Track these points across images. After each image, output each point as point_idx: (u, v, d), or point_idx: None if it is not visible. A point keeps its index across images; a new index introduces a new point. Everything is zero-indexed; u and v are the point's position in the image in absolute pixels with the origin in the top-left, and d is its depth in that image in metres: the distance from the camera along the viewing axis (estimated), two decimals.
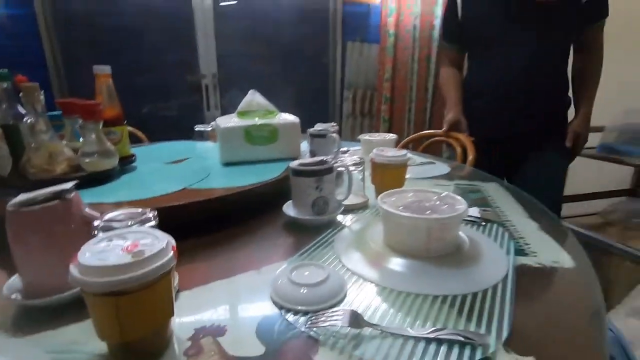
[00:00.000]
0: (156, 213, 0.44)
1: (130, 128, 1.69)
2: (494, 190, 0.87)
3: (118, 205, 0.61)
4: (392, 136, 1.19)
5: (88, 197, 0.63)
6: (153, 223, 0.42)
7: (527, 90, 1.25)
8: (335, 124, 1.37)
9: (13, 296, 0.44)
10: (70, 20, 2.14)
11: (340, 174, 0.72)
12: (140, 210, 0.44)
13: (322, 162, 0.65)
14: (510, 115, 1.31)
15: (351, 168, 0.71)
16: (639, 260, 1.37)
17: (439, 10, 2.53)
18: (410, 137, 1.73)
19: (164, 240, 0.35)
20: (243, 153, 0.88)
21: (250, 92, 0.95)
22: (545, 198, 0.81)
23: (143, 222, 0.42)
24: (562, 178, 1.29)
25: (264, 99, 0.94)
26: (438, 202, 0.54)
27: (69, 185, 0.46)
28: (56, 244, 0.44)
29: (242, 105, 0.92)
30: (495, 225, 0.65)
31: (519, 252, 0.56)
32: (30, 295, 0.44)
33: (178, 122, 2.46)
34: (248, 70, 2.56)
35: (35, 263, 0.44)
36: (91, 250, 0.34)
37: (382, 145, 1.16)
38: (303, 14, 2.58)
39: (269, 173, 0.79)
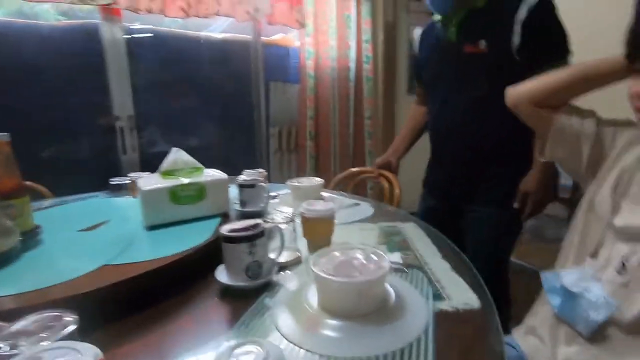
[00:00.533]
0: (77, 317, 0.40)
1: (29, 183, 1.51)
2: (412, 230, 0.96)
3: (21, 298, 0.54)
4: (319, 181, 1.25)
5: None
6: (72, 329, 0.39)
7: (466, 137, 1.19)
8: (263, 170, 1.40)
9: None
10: None
11: (271, 230, 0.73)
12: (55, 314, 0.40)
13: (254, 227, 0.66)
14: (448, 161, 1.29)
15: (282, 226, 0.74)
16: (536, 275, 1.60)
17: (352, 54, 2.77)
18: (342, 175, 1.83)
19: (89, 357, 0.33)
20: (169, 215, 0.85)
21: (174, 150, 0.93)
22: (481, 259, 0.87)
23: (62, 329, 0.38)
24: (504, 241, 1.23)
25: (188, 156, 0.93)
26: (365, 261, 0.59)
27: None
28: None
29: (165, 165, 0.90)
30: (415, 270, 0.72)
31: (437, 296, 0.62)
32: None
33: (90, 169, 2.24)
34: (168, 110, 2.47)
35: None
36: None
37: (310, 191, 1.21)
38: (225, 53, 2.61)
39: (197, 235, 0.77)
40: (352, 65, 2.78)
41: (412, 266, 0.74)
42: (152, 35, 2.33)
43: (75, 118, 2.18)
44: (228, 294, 0.65)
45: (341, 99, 2.79)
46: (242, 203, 1.10)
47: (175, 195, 0.85)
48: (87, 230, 0.85)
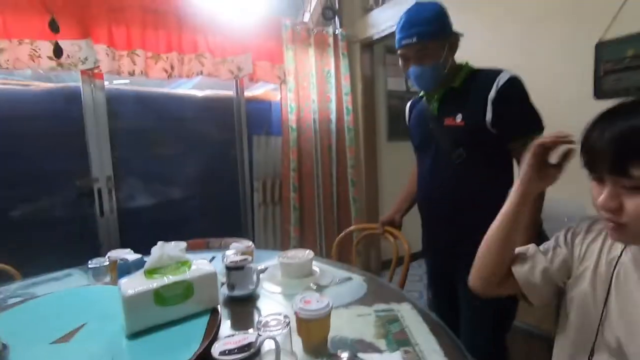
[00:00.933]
0: None
1: None
2: (408, 314, 0.93)
3: None
4: (309, 255, 1.22)
5: None
6: None
7: (446, 201, 1.24)
8: (250, 244, 1.36)
9: None
10: None
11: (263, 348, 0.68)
12: None
13: (247, 346, 0.62)
14: (432, 224, 1.34)
15: (277, 335, 0.70)
16: (531, 335, 1.58)
17: (333, 106, 2.84)
18: (348, 229, 1.81)
19: None
20: (153, 318, 0.79)
21: (159, 244, 0.88)
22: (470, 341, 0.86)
23: None
24: (489, 326, 1.20)
25: (174, 249, 0.89)
26: None
27: None
28: None
29: (150, 263, 0.85)
30: None
31: None
32: None
33: (67, 233, 2.13)
34: (151, 167, 2.42)
35: None
36: None
37: (300, 268, 1.18)
38: (207, 109, 2.62)
39: (185, 345, 0.72)
40: (333, 117, 2.85)
41: None
42: (133, 94, 2.33)
43: (53, 182, 2.10)
44: None
45: (323, 149, 2.83)
46: (231, 287, 1.06)
47: (161, 296, 0.80)
48: (61, 342, 0.77)
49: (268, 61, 2.47)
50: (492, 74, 1.12)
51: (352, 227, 1.88)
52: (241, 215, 2.73)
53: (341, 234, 1.80)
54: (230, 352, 0.61)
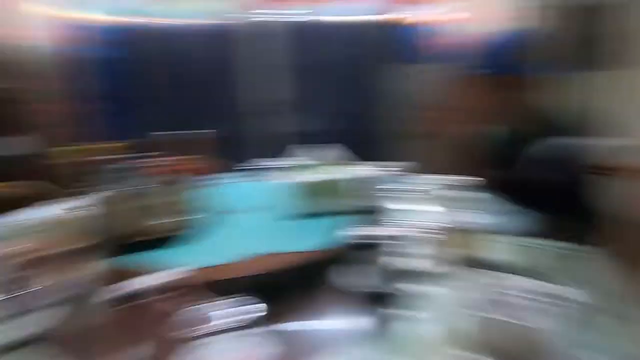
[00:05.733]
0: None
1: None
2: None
3: (201, 272, 0.67)
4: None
5: (165, 258, 0.72)
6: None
7: None
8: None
9: None
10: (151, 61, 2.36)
11: None
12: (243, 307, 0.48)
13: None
14: None
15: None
16: None
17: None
18: None
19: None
20: (312, 206, 0.92)
21: (320, 146, 0.99)
22: None
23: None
24: None
25: (339, 151, 0.98)
26: None
27: (157, 284, 0.52)
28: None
29: (311, 159, 0.97)
30: None
31: None
32: None
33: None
34: (302, 95, 2.60)
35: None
36: None
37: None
38: (361, 36, 2.57)
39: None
40: None
41: None
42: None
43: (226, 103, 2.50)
44: None
45: None
46: None
47: (322, 188, 0.91)
48: (243, 214, 1.00)
49: None
50: None
51: None
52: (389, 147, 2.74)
53: None
54: None
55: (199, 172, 0.90)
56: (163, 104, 2.37)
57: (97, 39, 2.25)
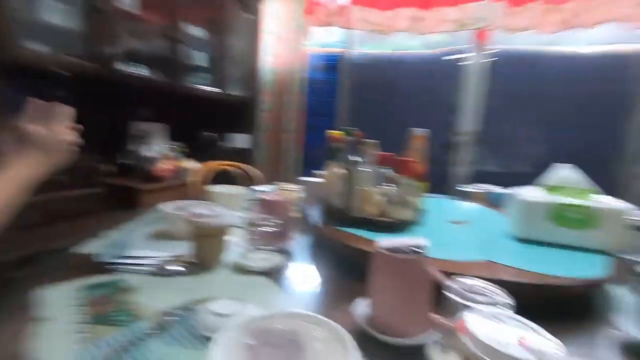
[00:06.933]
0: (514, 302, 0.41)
1: None
2: None
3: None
4: None
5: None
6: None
7: None
8: None
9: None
10: (362, 84, 2.64)
11: None
12: (491, 287, 0.43)
13: None
14: None
15: None
16: None
17: None
18: None
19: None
20: (545, 233, 0.78)
21: (559, 165, 0.84)
22: None
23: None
24: None
25: (578, 174, 0.81)
26: None
27: (423, 242, 0.51)
28: (406, 292, 0.49)
29: (551, 179, 0.83)
30: None
31: None
32: (374, 326, 0.50)
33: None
34: (513, 132, 2.39)
35: (384, 301, 0.50)
36: (485, 328, 0.34)
37: None
38: (598, 69, 2.18)
39: (583, 265, 0.66)
40: None
41: None
42: (514, 54, 2.31)
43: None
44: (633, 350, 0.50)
45: None
46: None
47: (559, 214, 0.76)
48: (454, 223, 0.93)
49: None
50: None
51: None
52: None
53: None
54: None
55: (421, 177, 0.89)
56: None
57: (321, 66, 2.68)
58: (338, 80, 2.63)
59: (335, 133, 0.95)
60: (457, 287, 0.44)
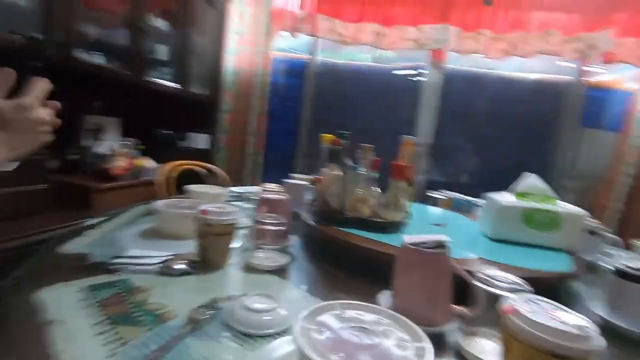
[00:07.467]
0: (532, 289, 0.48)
1: None
2: None
3: None
4: None
5: (382, 239, 0.78)
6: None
7: None
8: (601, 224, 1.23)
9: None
10: (324, 91, 2.70)
11: None
12: (510, 276, 0.50)
13: None
14: None
15: None
16: None
17: None
18: None
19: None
20: (517, 234, 0.88)
21: (530, 175, 0.96)
22: None
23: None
24: None
25: (543, 183, 0.94)
26: None
27: (445, 239, 0.55)
28: (431, 284, 0.53)
29: (520, 186, 0.94)
30: None
31: None
32: (394, 311, 0.53)
33: None
34: (458, 145, 2.62)
35: (411, 294, 0.54)
36: (529, 309, 0.39)
37: None
38: (535, 93, 2.49)
39: (548, 261, 0.77)
40: None
41: None
42: (465, 74, 2.55)
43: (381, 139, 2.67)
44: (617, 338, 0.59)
45: None
46: None
47: (528, 217, 0.87)
48: (436, 225, 1.01)
49: (635, 38, 2.04)
50: None
51: None
52: None
53: None
54: None
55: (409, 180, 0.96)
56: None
57: (283, 70, 2.69)
58: (302, 85, 2.67)
59: (328, 136, 0.97)
60: (485, 278, 0.49)
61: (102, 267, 0.61)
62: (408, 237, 0.56)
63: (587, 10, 2.09)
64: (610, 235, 0.95)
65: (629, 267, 0.63)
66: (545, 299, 0.42)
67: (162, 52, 2.09)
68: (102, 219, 0.89)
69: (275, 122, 2.63)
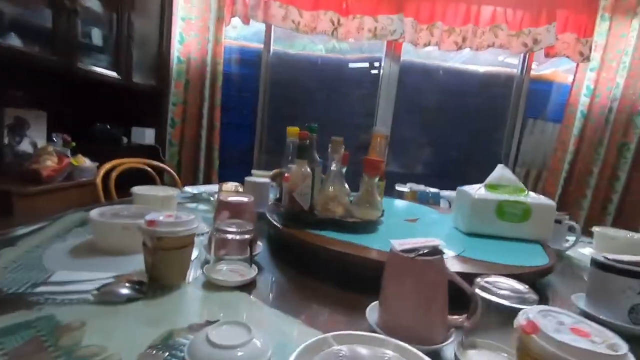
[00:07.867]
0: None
1: None
2: None
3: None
4: None
5: (358, 241, 0.72)
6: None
7: None
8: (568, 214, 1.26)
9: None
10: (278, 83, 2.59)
11: None
12: (512, 282, 0.45)
13: None
14: None
15: None
16: None
17: None
18: None
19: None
20: (490, 227, 0.86)
21: (499, 166, 0.95)
22: None
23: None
24: None
25: (512, 175, 0.93)
26: None
27: (438, 243, 0.50)
28: (426, 293, 0.47)
29: (491, 179, 0.92)
30: None
31: None
32: (385, 328, 0.47)
33: None
34: (417, 136, 2.65)
35: (402, 308, 0.48)
36: (547, 325, 0.34)
37: None
38: (484, 86, 2.58)
39: (524, 255, 0.75)
40: None
41: None
42: (420, 66, 2.57)
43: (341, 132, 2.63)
44: None
45: (611, 145, 2.29)
46: None
47: (501, 209, 0.86)
48: (409, 221, 0.96)
49: (574, 33, 2.17)
50: None
51: None
52: None
53: None
54: (625, 263, 0.59)
55: (381, 175, 0.90)
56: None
57: (235, 59, 2.53)
58: (256, 76, 2.53)
59: (294, 129, 0.88)
60: (487, 286, 0.44)
61: (16, 301, 0.48)
62: (397, 242, 0.49)
63: (532, 6, 2.19)
64: (572, 222, 0.98)
65: (607, 259, 0.62)
66: (559, 310, 0.37)
67: (96, 36, 1.85)
68: (23, 231, 0.73)
69: (230, 114, 2.48)
